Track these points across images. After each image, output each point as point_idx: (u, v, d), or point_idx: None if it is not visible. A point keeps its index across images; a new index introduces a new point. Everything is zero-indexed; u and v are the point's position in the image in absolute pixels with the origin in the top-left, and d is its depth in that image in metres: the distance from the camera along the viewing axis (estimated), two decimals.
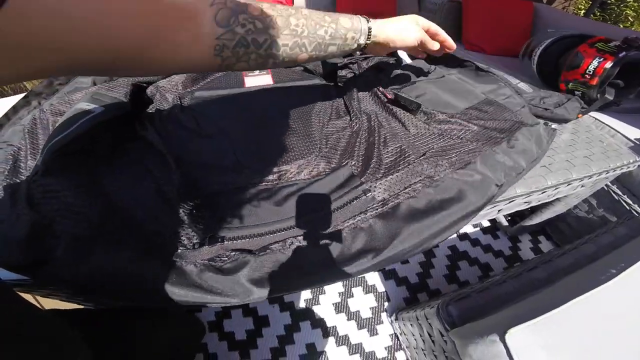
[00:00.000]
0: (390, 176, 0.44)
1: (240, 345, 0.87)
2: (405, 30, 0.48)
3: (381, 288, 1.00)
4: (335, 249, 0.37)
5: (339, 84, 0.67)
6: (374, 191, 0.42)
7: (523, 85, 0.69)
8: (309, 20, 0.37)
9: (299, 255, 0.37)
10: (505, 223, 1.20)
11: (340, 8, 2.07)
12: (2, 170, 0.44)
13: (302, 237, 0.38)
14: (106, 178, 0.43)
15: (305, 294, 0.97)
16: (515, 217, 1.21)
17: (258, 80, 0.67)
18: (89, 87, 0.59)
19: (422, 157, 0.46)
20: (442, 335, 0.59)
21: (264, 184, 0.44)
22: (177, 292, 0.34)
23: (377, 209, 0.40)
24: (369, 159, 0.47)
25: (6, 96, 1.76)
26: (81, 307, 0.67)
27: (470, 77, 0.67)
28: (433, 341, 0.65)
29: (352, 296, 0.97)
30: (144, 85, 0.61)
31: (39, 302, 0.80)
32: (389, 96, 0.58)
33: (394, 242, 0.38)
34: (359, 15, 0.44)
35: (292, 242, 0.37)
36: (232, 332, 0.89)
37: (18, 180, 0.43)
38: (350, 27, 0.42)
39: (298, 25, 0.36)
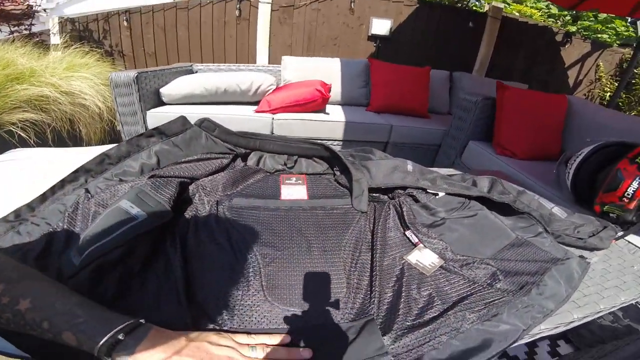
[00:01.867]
0: (419, 330, 0.43)
1: None
2: None
3: None
4: None
5: (374, 204, 0.68)
6: (401, 342, 0.42)
7: (557, 210, 0.71)
8: (16, 318, 0.31)
9: None
10: None
11: (375, 99, 2.25)
12: (32, 248, 0.45)
13: None
14: (139, 290, 0.44)
15: None
16: None
17: (294, 191, 0.69)
18: (137, 174, 0.61)
19: (451, 311, 0.46)
20: None
21: (288, 325, 0.43)
22: None
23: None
24: (397, 306, 0.46)
25: (63, 141, 1.79)
26: None
27: (504, 210, 0.69)
28: None
29: None
30: (188, 182, 0.62)
31: None
32: (415, 242, 0.59)
33: None
34: (108, 334, 0.31)
35: None
36: None
37: (48, 264, 0.44)
38: (76, 346, 0.31)
39: (1, 317, 0.31)
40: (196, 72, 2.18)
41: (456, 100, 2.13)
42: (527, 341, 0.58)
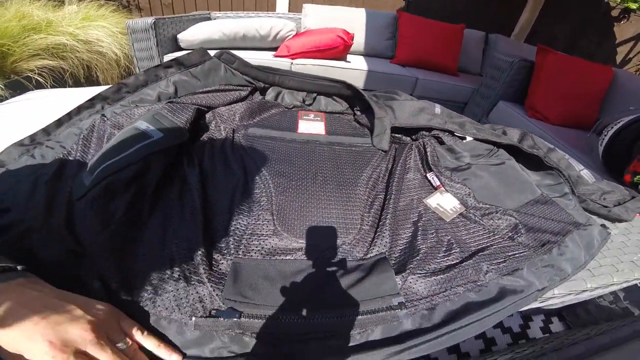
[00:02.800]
0: (434, 277, 0.40)
1: None
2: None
3: None
4: (354, 339, 0.35)
5: (394, 146, 0.65)
6: (414, 287, 0.39)
7: (586, 173, 0.66)
8: None
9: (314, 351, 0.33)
10: None
11: (401, 52, 2.13)
12: (45, 172, 0.44)
13: (321, 334, 0.34)
14: (147, 214, 0.42)
15: None
16: None
17: (311, 126, 0.66)
18: (154, 101, 0.60)
19: (469, 261, 0.43)
20: None
21: (297, 257, 0.41)
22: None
23: (412, 308, 0.37)
24: (412, 249, 0.44)
25: (80, 86, 1.84)
26: None
27: (532, 164, 0.64)
28: None
29: None
30: (205, 109, 0.61)
31: None
32: (437, 185, 0.56)
33: (420, 338, 0.35)
34: None
35: (308, 338, 0.34)
36: None
37: (59, 187, 0.42)
38: None
39: None
40: (214, 19, 2.09)
41: (490, 61, 1.98)
42: (536, 306, 0.57)
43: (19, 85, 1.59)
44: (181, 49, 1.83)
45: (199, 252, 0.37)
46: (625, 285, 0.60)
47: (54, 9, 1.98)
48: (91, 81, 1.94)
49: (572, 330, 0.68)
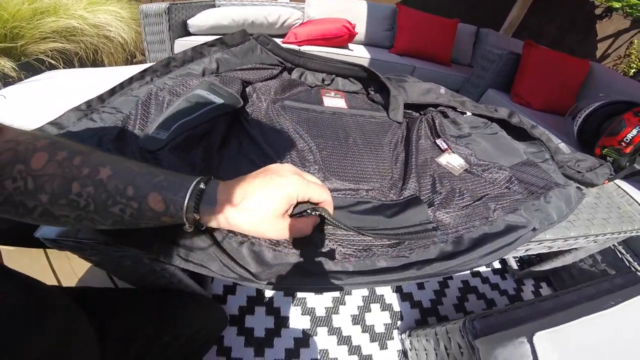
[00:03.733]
0: (456, 212, 0.51)
1: (257, 342, 0.91)
2: (267, 222, 0.31)
3: (397, 307, 1.07)
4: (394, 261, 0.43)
5: (406, 119, 0.77)
6: (443, 219, 0.50)
7: (563, 146, 0.79)
8: (98, 191, 0.27)
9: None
10: (515, 267, 1.28)
11: (399, 42, 2.26)
12: (109, 132, 0.47)
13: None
14: (217, 165, 0.50)
15: (327, 302, 1.03)
16: (524, 263, 1.29)
17: (334, 102, 0.78)
18: (199, 75, 0.67)
19: (479, 201, 0.54)
20: (460, 347, 0.68)
21: (342, 193, 0.50)
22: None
23: (445, 236, 0.47)
24: (434, 193, 0.55)
25: (117, 65, 1.88)
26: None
27: (518, 136, 0.77)
28: (448, 354, 0.73)
29: (370, 311, 1.04)
30: (245, 83, 0.70)
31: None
32: (444, 148, 0.67)
33: (449, 262, 0.44)
34: (190, 187, 0.29)
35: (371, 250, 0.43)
36: (252, 328, 0.93)
37: (125, 145, 0.46)
38: (162, 211, 0.29)
39: (81, 195, 0.27)
40: (219, 6, 2.15)
41: (480, 53, 2.15)
42: (534, 246, 0.68)
43: (30, 67, 1.63)
44: (190, 34, 1.89)
45: None
46: (600, 237, 0.73)
47: None
48: (97, 65, 1.98)
49: (558, 293, 0.82)
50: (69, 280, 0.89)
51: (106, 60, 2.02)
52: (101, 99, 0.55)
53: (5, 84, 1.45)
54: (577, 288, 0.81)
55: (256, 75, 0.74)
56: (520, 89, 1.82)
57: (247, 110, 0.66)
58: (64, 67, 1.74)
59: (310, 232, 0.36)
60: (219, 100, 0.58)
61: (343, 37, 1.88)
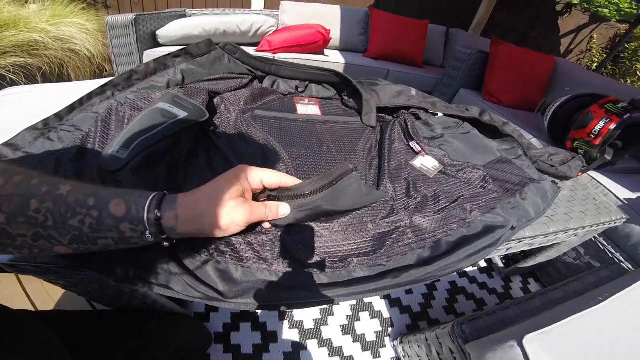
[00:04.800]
0: (433, 217, 0.50)
1: (246, 359, 0.87)
2: (226, 208, 0.33)
3: (386, 314, 1.05)
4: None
5: (379, 123, 0.76)
6: (420, 224, 0.49)
7: (535, 141, 0.80)
8: (58, 205, 0.27)
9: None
10: (500, 265, 1.29)
11: (373, 46, 2.28)
12: (67, 152, 0.45)
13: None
14: (183, 180, 0.48)
15: (315, 314, 1.00)
16: (509, 260, 1.30)
17: (308, 109, 0.76)
18: (164, 87, 0.64)
19: (455, 203, 0.54)
20: (452, 352, 0.67)
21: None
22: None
23: (422, 242, 0.46)
24: (409, 197, 0.54)
25: (85, 79, 1.79)
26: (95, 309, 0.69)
27: (490, 134, 0.78)
28: (441, 359, 0.71)
29: (359, 320, 1.01)
30: (212, 95, 0.67)
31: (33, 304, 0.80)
32: (418, 151, 0.67)
33: (426, 267, 0.43)
34: (149, 194, 0.31)
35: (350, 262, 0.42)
36: (239, 344, 0.90)
37: (84, 165, 0.44)
38: (124, 216, 0.29)
39: (40, 210, 0.27)
40: (190, 17, 2.10)
41: (451, 53, 2.20)
42: (514, 245, 0.68)
43: None
44: (159, 45, 1.84)
45: None
46: (580, 231, 0.74)
47: (21, 5, 1.90)
48: (63, 80, 1.89)
49: (546, 288, 0.82)
50: (45, 304, 0.84)
51: (73, 75, 1.93)
52: (59, 116, 0.52)
53: None
54: (564, 284, 0.81)
55: (224, 85, 0.72)
56: (491, 86, 1.86)
57: (215, 122, 0.63)
58: (25, 83, 1.65)
59: (270, 217, 0.39)
60: (182, 114, 0.54)
61: (318, 42, 1.87)
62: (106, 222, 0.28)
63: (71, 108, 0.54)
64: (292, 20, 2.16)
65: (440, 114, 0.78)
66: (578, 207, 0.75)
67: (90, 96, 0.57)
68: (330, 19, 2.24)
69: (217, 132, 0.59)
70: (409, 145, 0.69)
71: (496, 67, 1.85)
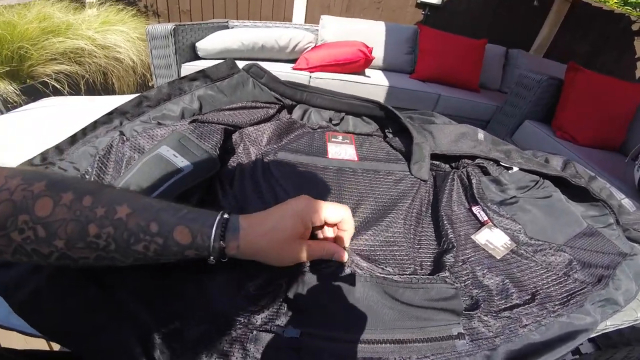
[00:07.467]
0: (499, 317, 0.38)
1: None
2: (286, 244, 0.33)
3: None
4: None
5: (432, 174, 0.60)
6: (479, 327, 0.37)
7: (627, 202, 0.62)
8: (119, 231, 0.27)
9: None
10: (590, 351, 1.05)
11: (421, 66, 2.11)
12: None
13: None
14: None
15: None
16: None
17: (342, 149, 0.62)
18: (178, 117, 0.55)
19: (532, 303, 0.40)
20: None
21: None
22: None
23: (476, 348, 0.35)
24: (466, 290, 0.41)
25: (96, 94, 1.83)
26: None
27: (575, 196, 0.60)
28: None
29: None
30: (231, 129, 0.57)
31: None
32: (484, 220, 0.51)
33: None
34: (212, 222, 0.30)
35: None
36: None
37: None
38: (190, 245, 0.29)
39: (100, 236, 0.26)
40: (232, 28, 2.09)
41: (511, 77, 1.97)
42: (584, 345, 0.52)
43: (34, 91, 1.58)
44: (199, 58, 1.82)
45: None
46: None
47: (74, 11, 1.98)
48: (106, 88, 1.93)
49: (602, 352, 0.67)
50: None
51: (116, 84, 1.97)
52: (59, 149, 0.47)
53: (8, 110, 1.40)
54: (627, 351, 0.64)
55: (247, 116, 0.60)
56: (564, 120, 1.56)
57: (232, 165, 0.53)
58: (69, 91, 1.69)
59: (328, 256, 0.37)
60: (187, 167, 0.44)
61: (359, 62, 1.73)
62: (172, 249, 0.29)
63: (73, 139, 0.49)
64: (332, 36, 2.06)
65: (515, 169, 0.60)
66: None
67: (95, 125, 0.51)
68: (374, 35, 2.10)
69: (228, 184, 0.49)
70: (470, 211, 0.53)
71: (572, 97, 1.57)
